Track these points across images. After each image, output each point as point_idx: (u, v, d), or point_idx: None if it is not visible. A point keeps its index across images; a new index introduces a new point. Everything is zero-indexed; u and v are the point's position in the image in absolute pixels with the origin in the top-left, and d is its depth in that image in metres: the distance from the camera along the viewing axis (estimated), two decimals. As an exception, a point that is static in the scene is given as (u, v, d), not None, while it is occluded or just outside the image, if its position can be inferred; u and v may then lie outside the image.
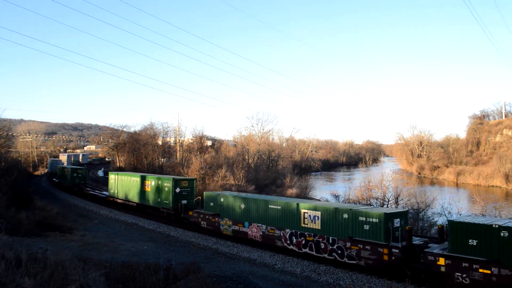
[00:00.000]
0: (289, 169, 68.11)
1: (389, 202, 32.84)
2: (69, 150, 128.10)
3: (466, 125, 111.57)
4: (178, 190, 28.65)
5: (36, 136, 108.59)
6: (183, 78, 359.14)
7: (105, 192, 43.66)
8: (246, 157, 67.03)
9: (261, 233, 21.44)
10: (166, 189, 29.35)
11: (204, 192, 26.89)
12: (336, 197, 39.47)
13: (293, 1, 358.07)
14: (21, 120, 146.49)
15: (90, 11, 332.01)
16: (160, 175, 35.72)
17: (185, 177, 35.08)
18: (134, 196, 34.54)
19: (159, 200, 30.37)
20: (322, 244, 18.15)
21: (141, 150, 67.28)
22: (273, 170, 64.40)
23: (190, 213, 26.98)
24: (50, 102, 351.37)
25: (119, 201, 37.11)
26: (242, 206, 22.68)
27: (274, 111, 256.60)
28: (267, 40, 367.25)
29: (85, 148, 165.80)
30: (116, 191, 37.84)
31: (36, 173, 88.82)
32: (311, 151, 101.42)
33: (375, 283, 15.65)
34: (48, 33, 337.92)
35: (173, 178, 29.21)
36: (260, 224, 21.53)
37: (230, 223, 23.41)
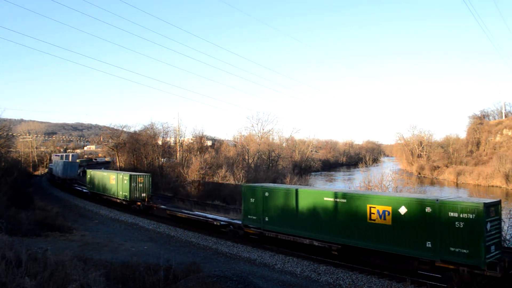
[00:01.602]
0: (289, 169, 68.22)
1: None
2: (69, 150, 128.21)
3: (466, 125, 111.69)
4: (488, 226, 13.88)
5: (36, 136, 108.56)
6: (183, 78, 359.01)
7: (226, 219, 26.76)
8: (246, 157, 67.09)
9: None
10: (460, 225, 13.94)
11: None
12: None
13: (294, 1, 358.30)
14: (21, 120, 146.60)
15: (91, 11, 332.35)
16: (426, 197, 16.94)
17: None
18: (325, 232, 18.85)
19: (429, 245, 14.83)
20: None
21: (141, 150, 67.31)
22: (273, 170, 64.43)
23: None
24: (50, 102, 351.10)
25: (273, 235, 21.33)
26: None
27: (274, 111, 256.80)
28: (267, 40, 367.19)
29: (85, 148, 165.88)
30: (265, 217, 21.72)
31: (36, 173, 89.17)
32: (311, 151, 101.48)
33: (375, 283, 15.64)
34: (48, 32, 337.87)
35: (483, 203, 13.72)
36: None
37: None
